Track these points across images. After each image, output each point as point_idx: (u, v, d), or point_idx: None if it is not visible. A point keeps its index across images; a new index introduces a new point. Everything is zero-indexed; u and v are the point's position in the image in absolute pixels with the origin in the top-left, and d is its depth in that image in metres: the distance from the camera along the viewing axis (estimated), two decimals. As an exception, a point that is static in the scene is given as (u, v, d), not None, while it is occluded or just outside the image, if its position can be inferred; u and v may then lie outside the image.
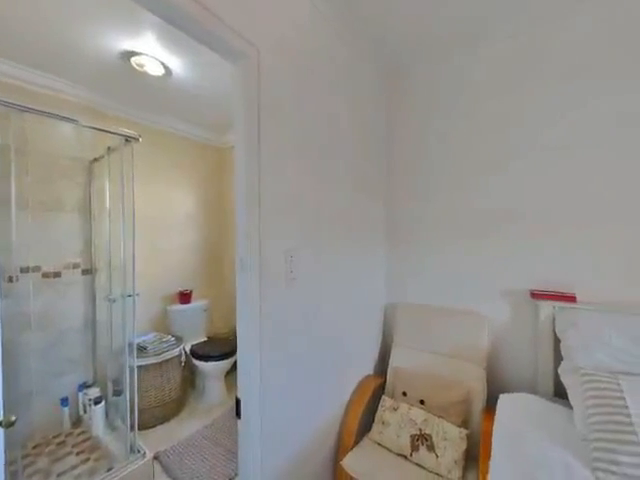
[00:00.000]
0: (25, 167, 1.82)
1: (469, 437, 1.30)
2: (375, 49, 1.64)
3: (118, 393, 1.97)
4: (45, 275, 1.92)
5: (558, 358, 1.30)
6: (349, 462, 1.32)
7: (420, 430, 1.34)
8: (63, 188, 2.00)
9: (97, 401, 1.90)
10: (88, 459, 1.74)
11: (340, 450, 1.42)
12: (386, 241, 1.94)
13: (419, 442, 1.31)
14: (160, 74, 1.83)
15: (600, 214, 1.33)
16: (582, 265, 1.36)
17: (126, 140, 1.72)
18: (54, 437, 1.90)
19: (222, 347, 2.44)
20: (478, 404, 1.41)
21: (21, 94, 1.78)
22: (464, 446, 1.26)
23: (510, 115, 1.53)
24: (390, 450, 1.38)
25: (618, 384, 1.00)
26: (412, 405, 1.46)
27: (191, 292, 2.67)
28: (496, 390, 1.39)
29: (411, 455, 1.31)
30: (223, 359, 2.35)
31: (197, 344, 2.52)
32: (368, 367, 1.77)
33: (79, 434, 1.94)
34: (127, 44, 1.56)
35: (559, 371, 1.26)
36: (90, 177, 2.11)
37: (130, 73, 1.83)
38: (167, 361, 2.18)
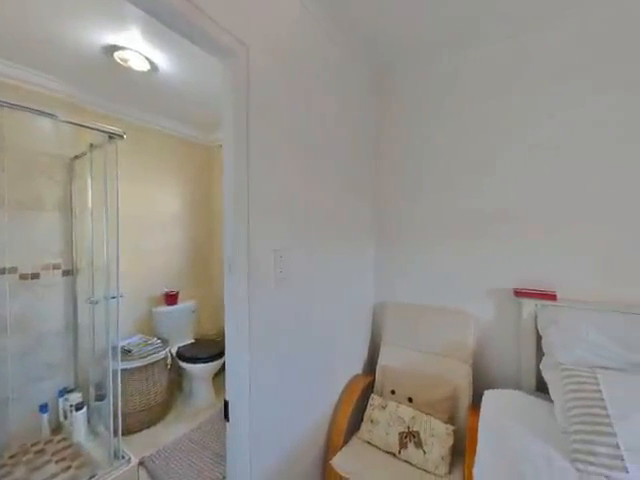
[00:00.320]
0: (1, 163, 1.73)
1: (455, 433, 1.33)
2: (365, 49, 1.65)
3: (101, 398, 1.91)
4: (23, 277, 1.83)
5: (540, 354, 1.35)
6: (338, 461, 1.33)
7: (408, 427, 1.36)
8: (42, 186, 1.92)
9: (79, 407, 1.84)
10: (69, 467, 1.68)
11: (330, 449, 1.42)
12: (375, 241, 1.96)
13: (407, 439, 1.33)
14: (145, 69, 1.78)
15: (580, 215, 1.38)
16: (563, 264, 1.41)
17: (110, 137, 1.67)
18: (32, 445, 1.82)
19: (210, 349, 2.40)
20: (464, 400, 1.44)
21: (-3, 87, 1.70)
22: (451, 442, 1.29)
23: (497, 116, 1.56)
24: (379, 448, 1.40)
25: (595, 378, 1.04)
26: (400, 403, 1.47)
27: (178, 293, 2.62)
28: (482, 386, 1.42)
29: (400, 452, 1.33)
30: (211, 361, 2.31)
31: (184, 346, 2.47)
32: (357, 366, 1.78)
33: (59, 441, 1.86)
34: (110, 38, 1.51)
35: (541, 367, 1.31)
36: (71, 175, 2.03)
37: (113, 68, 1.77)
38: (153, 364, 2.13)
